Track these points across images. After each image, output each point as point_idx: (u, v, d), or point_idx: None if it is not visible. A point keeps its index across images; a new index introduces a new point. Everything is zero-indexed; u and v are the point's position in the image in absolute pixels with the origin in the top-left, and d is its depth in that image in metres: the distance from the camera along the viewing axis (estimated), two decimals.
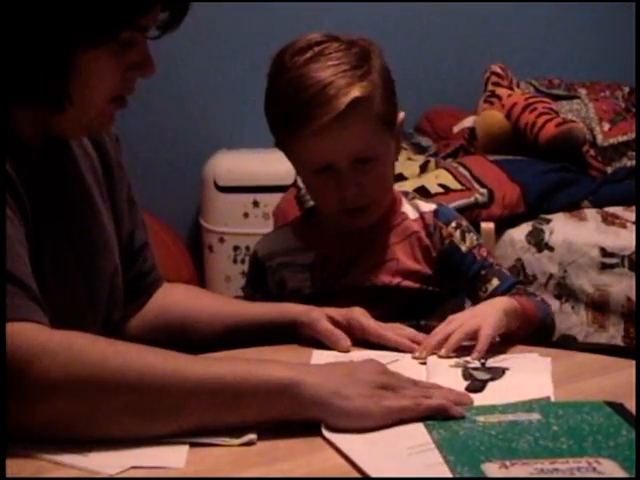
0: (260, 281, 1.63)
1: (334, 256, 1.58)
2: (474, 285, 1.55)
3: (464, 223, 1.59)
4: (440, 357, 1.35)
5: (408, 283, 1.55)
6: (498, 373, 1.27)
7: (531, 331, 1.48)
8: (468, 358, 1.33)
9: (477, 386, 1.23)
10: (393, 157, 1.57)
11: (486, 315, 1.40)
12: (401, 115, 1.56)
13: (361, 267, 1.56)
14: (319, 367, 1.16)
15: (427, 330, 1.43)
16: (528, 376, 1.27)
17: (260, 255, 1.63)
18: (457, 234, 1.57)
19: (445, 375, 1.28)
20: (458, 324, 1.39)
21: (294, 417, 1.10)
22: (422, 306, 1.55)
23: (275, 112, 1.52)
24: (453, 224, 1.58)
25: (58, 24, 1.19)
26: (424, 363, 1.35)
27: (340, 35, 1.53)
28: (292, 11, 3.70)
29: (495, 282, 1.54)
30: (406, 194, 1.64)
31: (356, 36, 1.54)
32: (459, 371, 1.29)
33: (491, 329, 1.37)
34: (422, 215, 1.58)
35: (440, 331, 1.39)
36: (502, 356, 1.37)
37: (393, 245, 1.57)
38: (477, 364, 1.32)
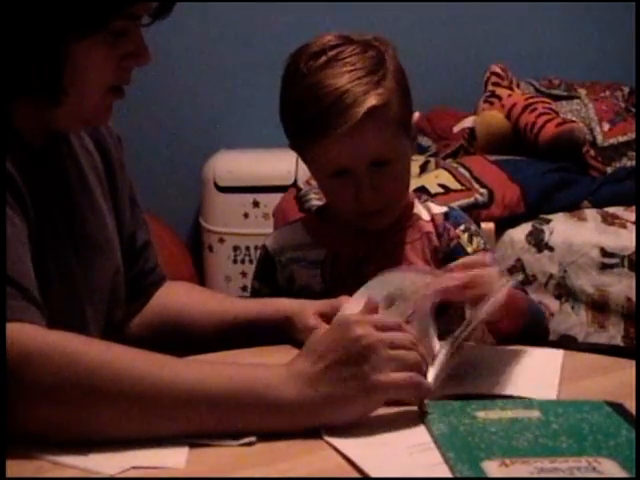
0: (269, 275, 1.63)
1: (345, 254, 1.58)
2: None
3: (473, 227, 1.60)
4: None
5: None
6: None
7: (520, 326, 1.45)
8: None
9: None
10: (409, 157, 1.57)
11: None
12: (416, 115, 1.56)
13: (372, 266, 1.56)
14: (312, 373, 1.12)
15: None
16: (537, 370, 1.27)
17: (270, 249, 1.63)
18: (465, 236, 1.57)
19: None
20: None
21: (292, 430, 1.09)
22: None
23: (291, 119, 1.52)
24: (462, 227, 1.58)
25: (49, 14, 1.19)
26: None
27: (354, 35, 1.52)
28: (292, 11, 3.70)
29: None
30: (419, 196, 1.65)
31: (370, 35, 1.53)
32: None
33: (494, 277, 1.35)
34: (433, 217, 1.59)
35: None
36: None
37: (404, 245, 1.57)
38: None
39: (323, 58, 1.48)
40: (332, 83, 1.46)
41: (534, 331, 1.49)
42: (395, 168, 1.51)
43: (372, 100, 1.46)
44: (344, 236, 1.59)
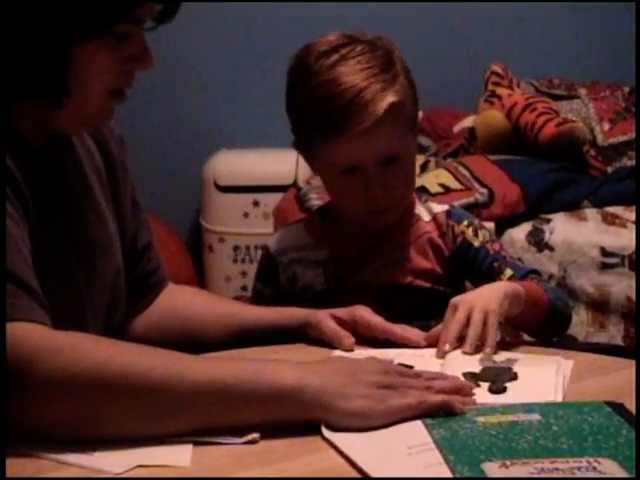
0: (271, 276, 1.63)
1: (347, 254, 1.58)
2: (489, 279, 1.52)
3: (476, 221, 1.60)
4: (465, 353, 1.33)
5: (420, 282, 1.56)
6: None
7: (541, 316, 1.47)
8: (480, 356, 1.32)
9: (499, 387, 1.23)
10: (415, 155, 1.57)
11: (488, 301, 1.37)
12: (420, 114, 1.57)
13: (374, 265, 1.57)
14: (322, 366, 1.16)
15: None
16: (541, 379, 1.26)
17: (272, 250, 1.63)
18: (469, 231, 1.57)
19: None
20: (464, 315, 1.36)
21: (297, 419, 1.10)
22: (433, 306, 1.54)
23: (301, 118, 1.51)
24: (465, 222, 1.58)
25: (53, 17, 1.19)
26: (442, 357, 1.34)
27: (357, 34, 1.52)
28: (292, 11, 3.70)
29: (509, 272, 1.53)
30: (419, 196, 1.64)
31: (371, 35, 1.53)
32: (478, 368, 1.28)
33: (495, 317, 1.35)
34: (435, 216, 1.59)
35: (452, 323, 1.36)
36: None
37: (406, 245, 1.57)
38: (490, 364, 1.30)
39: (335, 56, 1.47)
40: (348, 80, 1.45)
41: (558, 320, 1.52)
42: (404, 165, 1.52)
43: (391, 97, 1.46)
44: (346, 236, 1.59)
